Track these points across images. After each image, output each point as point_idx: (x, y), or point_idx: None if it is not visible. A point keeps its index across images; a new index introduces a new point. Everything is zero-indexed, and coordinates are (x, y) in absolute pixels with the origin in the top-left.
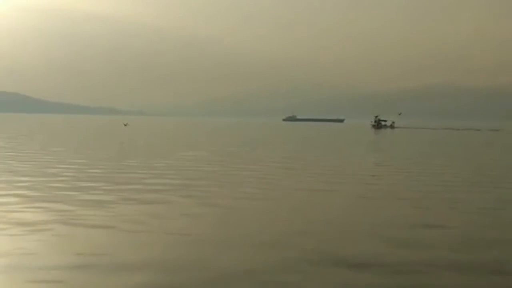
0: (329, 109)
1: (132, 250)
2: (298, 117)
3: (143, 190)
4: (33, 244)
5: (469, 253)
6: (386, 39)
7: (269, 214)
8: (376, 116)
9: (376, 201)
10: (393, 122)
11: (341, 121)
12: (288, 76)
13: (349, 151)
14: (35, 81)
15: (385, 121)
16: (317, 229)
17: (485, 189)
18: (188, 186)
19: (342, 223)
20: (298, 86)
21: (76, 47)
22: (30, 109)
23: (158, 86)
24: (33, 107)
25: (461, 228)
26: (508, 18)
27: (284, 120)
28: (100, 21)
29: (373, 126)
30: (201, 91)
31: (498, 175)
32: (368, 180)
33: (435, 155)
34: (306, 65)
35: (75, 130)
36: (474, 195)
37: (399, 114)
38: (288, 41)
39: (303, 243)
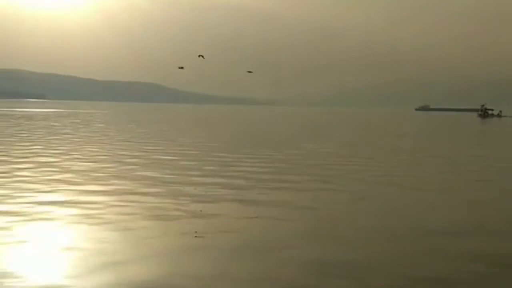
0: (466, 98)
1: None
2: (431, 106)
3: None
4: None
5: None
6: None
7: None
8: (483, 105)
9: None
10: (500, 111)
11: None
12: (422, 65)
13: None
14: (168, 71)
15: (491, 110)
16: None
17: None
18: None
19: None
20: (431, 76)
21: (208, 38)
22: (163, 98)
23: (290, 77)
24: (166, 97)
25: None
26: None
27: (416, 109)
28: (234, 11)
29: (479, 115)
30: (332, 82)
31: None
32: None
33: None
34: (440, 54)
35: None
36: None
37: None
38: (423, 28)
39: None
